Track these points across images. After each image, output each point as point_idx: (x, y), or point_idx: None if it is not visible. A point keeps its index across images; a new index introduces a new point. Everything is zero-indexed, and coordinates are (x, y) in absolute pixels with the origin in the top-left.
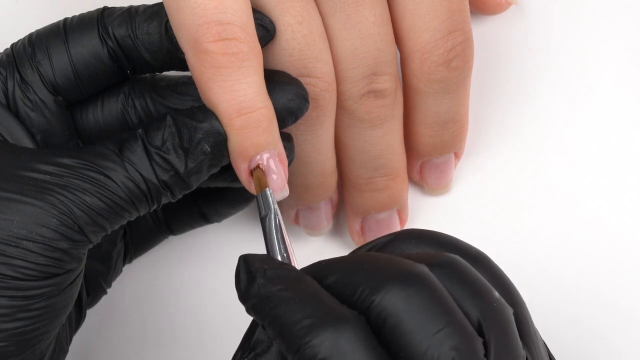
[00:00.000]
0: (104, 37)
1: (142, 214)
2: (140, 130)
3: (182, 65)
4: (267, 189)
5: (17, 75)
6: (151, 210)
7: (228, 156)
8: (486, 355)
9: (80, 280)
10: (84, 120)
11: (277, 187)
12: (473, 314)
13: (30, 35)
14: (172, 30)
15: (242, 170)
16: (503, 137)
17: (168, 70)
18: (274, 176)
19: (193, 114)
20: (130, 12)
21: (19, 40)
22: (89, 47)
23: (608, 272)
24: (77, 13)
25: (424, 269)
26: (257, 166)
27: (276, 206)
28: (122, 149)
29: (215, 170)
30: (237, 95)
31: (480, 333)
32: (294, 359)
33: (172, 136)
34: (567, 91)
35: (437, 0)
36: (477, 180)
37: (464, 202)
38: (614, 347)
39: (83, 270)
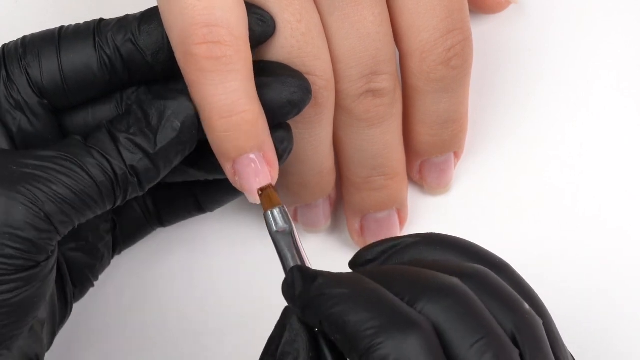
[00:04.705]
0: (101, 46)
1: (108, 208)
2: (104, 121)
3: None
4: (281, 206)
5: (3, 72)
6: (117, 205)
7: (197, 137)
8: None
9: (51, 281)
10: (73, 129)
11: (255, 189)
12: (507, 327)
13: (24, 38)
14: None
15: (227, 170)
16: (503, 136)
17: (169, 74)
18: (257, 179)
19: (163, 93)
20: (128, 18)
21: (11, 41)
22: (81, 55)
23: (608, 272)
24: (77, 13)
25: (457, 281)
26: (269, 185)
27: (292, 222)
28: (88, 137)
29: (183, 154)
30: (219, 99)
31: (515, 345)
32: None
33: (138, 121)
34: (566, 91)
35: None
36: (477, 180)
37: (464, 201)
38: (614, 347)
39: (54, 270)
